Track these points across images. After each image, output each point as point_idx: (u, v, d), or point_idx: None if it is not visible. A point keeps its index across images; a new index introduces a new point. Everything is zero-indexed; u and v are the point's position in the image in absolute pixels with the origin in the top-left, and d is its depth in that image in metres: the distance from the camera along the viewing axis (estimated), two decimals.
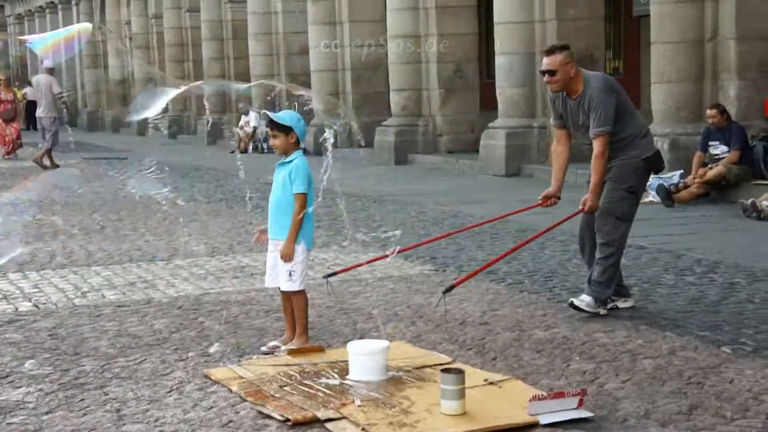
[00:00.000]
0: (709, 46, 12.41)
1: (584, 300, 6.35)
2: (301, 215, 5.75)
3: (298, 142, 5.86)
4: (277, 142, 5.87)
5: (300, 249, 5.81)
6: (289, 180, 5.79)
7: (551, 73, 6.38)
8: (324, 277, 6.95)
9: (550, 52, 6.49)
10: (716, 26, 12.28)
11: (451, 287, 6.36)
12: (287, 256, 5.76)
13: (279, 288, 5.94)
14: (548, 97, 6.85)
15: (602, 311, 6.36)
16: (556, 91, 6.52)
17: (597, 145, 6.30)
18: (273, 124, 5.88)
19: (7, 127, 22.56)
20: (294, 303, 5.89)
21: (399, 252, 7.07)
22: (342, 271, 7.26)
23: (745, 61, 12.15)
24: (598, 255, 6.41)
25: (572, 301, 6.38)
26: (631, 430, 4.38)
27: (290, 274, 5.80)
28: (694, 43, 12.41)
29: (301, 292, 5.88)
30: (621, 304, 6.54)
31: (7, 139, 22.56)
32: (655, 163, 6.57)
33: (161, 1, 31.39)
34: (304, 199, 5.76)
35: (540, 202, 6.77)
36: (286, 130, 5.83)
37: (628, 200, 6.43)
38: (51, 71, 21.35)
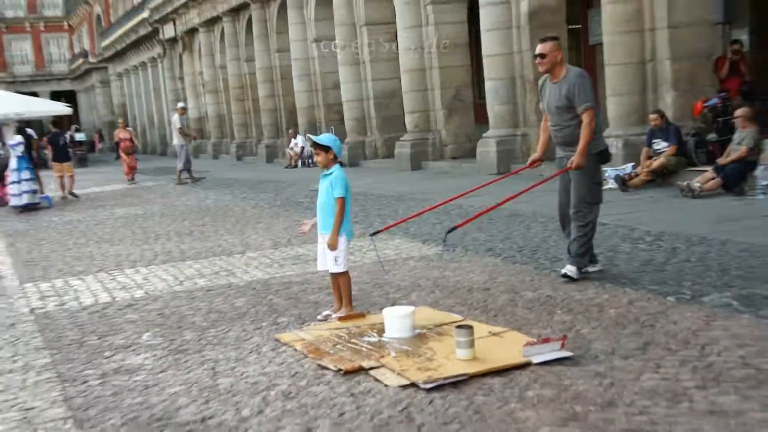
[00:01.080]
0: (649, 66, 12.38)
1: (571, 269, 6.32)
2: (341, 213, 5.79)
3: (335, 157, 5.90)
4: (319, 158, 5.90)
5: (342, 240, 5.84)
6: (331, 187, 5.83)
7: (542, 56, 6.25)
8: (370, 235, 6.79)
9: (543, 40, 6.34)
10: (654, 51, 12.26)
11: (453, 228, 6.39)
12: (332, 246, 5.81)
13: (328, 270, 5.98)
14: (538, 84, 6.64)
15: (592, 268, 6.49)
16: (543, 71, 6.35)
17: (585, 117, 6.13)
18: (316, 145, 5.91)
19: (128, 158, 22.67)
20: (340, 281, 5.93)
21: (382, 230, 6.94)
22: (384, 229, 7.06)
23: (677, 76, 12.13)
24: (576, 233, 6.34)
25: (564, 272, 6.33)
26: (601, 364, 4.42)
27: (336, 259, 5.83)
28: (638, 64, 12.38)
29: (345, 273, 5.90)
30: (590, 269, 6.50)
31: (128, 167, 22.70)
32: (605, 156, 6.45)
33: (224, 54, 31.52)
34: (343, 202, 5.80)
35: (528, 165, 6.78)
36: (326, 149, 5.87)
37: (594, 188, 6.36)
38: (182, 111, 22.03)
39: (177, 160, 21.21)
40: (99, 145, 51.32)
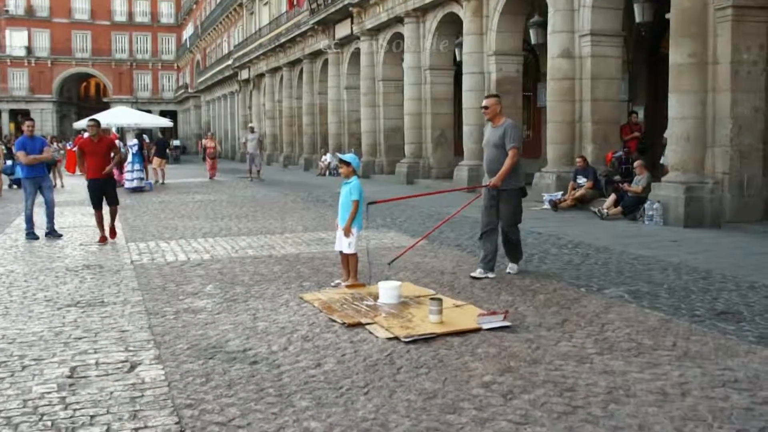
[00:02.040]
0: (577, 125, 12.28)
1: (514, 268, 6.13)
2: (355, 211, 5.75)
3: (354, 171, 5.84)
4: (342, 170, 5.86)
5: (354, 230, 5.79)
6: (349, 193, 5.77)
7: (485, 107, 6.02)
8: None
9: (487, 97, 6.16)
10: (581, 114, 12.15)
11: (393, 260, 6.22)
12: (347, 233, 5.75)
13: (341, 251, 5.88)
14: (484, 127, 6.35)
15: (520, 265, 6.20)
16: (488, 119, 6.09)
17: (511, 152, 5.83)
18: (341, 161, 5.86)
19: (212, 162, 21.89)
20: (350, 260, 5.85)
21: (378, 202, 6.51)
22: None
23: (596, 134, 12.01)
24: (512, 246, 6.11)
25: (509, 272, 6.07)
26: (531, 333, 4.34)
27: (349, 244, 5.77)
28: (570, 123, 12.28)
29: (354, 254, 5.83)
30: (490, 275, 5.97)
31: (212, 167, 21.80)
32: (525, 192, 6.13)
33: (281, 92, 31.42)
34: (357, 204, 5.77)
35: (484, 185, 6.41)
36: (348, 164, 5.82)
37: (518, 212, 6.07)
38: (252, 129, 22.30)
39: (251, 163, 21.08)
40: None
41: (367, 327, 4.50)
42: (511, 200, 6.01)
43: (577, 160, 11.71)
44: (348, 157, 5.89)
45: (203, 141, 23.62)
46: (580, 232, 8.93)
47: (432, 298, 4.70)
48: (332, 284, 5.86)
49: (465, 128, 15.71)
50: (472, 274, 6.03)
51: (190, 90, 56.09)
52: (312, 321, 4.69)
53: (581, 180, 11.60)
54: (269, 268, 6.63)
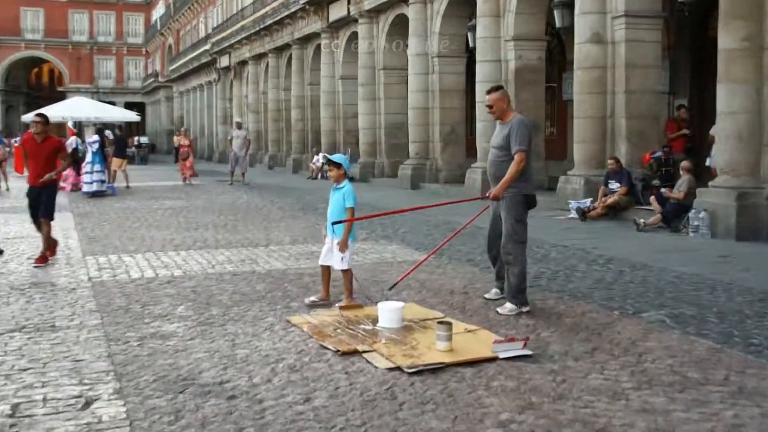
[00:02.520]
0: (609, 120, 12.29)
1: (507, 307, 5.53)
2: (351, 222, 5.75)
3: (345, 173, 5.82)
4: (332, 173, 5.86)
5: (349, 243, 5.78)
6: (342, 199, 5.75)
7: (489, 106, 5.78)
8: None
9: (489, 91, 5.84)
10: (613, 109, 12.17)
11: (393, 285, 6.04)
12: (343, 248, 5.75)
13: (322, 265, 5.84)
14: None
15: (525, 309, 5.53)
16: (495, 118, 5.85)
17: (516, 157, 5.52)
18: (330, 162, 5.85)
19: (185, 163, 21.17)
20: (343, 276, 5.83)
21: (399, 281, 6.16)
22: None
23: (630, 131, 12.03)
24: (509, 272, 5.57)
25: (497, 311, 5.52)
26: (556, 363, 4.32)
27: (342, 259, 5.76)
28: (600, 119, 12.30)
29: (348, 270, 5.82)
30: (494, 295, 5.84)
31: (185, 170, 21.17)
32: (531, 201, 5.68)
33: (267, 83, 31.54)
34: (353, 212, 5.77)
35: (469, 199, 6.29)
36: (338, 165, 5.81)
37: (518, 226, 5.59)
38: (239, 125, 22.29)
39: (235, 164, 21.00)
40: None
41: (365, 355, 4.47)
42: (510, 210, 5.59)
43: (609, 161, 11.72)
44: (338, 157, 5.89)
45: (175, 138, 23.30)
46: (613, 246, 8.91)
47: (440, 322, 4.68)
48: (306, 301, 5.83)
49: (479, 125, 15.71)
50: (487, 296, 5.97)
51: (160, 79, 56.28)
52: (300, 348, 4.66)
53: (614, 185, 11.60)
54: (251, 287, 6.61)
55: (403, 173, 18.72)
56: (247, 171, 21.53)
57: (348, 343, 4.69)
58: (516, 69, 14.72)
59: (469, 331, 4.95)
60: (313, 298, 5.88)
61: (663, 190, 10.83)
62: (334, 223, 5.76)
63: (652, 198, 10.72)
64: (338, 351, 4.53)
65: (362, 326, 5.11)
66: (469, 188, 15.60)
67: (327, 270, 5.88)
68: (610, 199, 11.47)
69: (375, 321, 5.19)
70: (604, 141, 12.39)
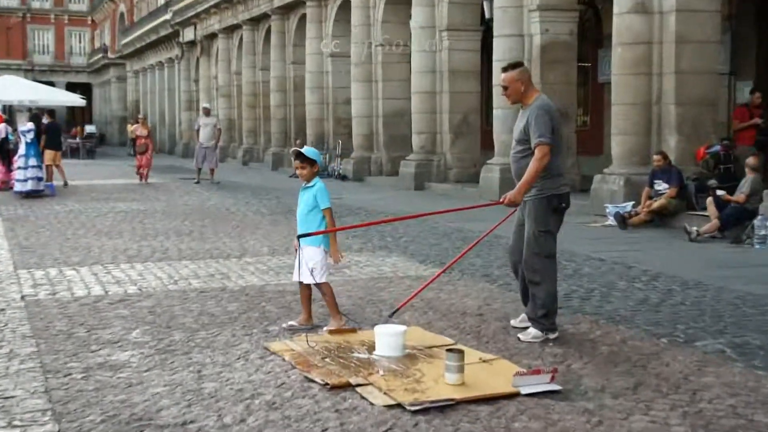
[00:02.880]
0: (655, 108, 12.33)
1: (530, 333, 5.51)
2: (332, 223, 5.82)
3: (317, 171, 5.88)
4: (304, 171, 5.84)
5: (319, 250, 5.81)
6: (314, 200, 5.80)
7: (504, 88, 5.66)
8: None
9: (504, 69, 5.71)
10: (660, 93, 12.22)
11: (395, 311, 6.01)
12: (337, 257, 5.85)
13: (301, 282, 5.87)
14: None
15: (552, 335, 5.50)
16: (512, 103, 5.79)
17: (537, 152, 5.39)
18: (303, 158, 5.83)
19: (142, 157, 20.83)
20: (322, 293, 5.85)
21: (400, 307, 6.08)
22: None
23: (681, 120, 12.08)
24: (531, 292, 5.57)
25: (519, 337, 5.50)
26: (590, 401, 4.31)
27: (312, 270, 5.75)
28: (644, 105, 12.34)
29: (326, 285, 5.84)
30: (520, 322, 5.76)
31: (142, 167, 20.77)
32: (561, 202, 5.57)
33: (240, 61, 31.62)
34: (331, 213, 5.84)
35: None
36: (312, 162, 5.85)
37: (542, 238, 5.52)
38: (208, 111, 21.86)
39: (203, 160, 20.94)
40: None
41: (359, 390, 4.46)
42: (532, 216, 5.53)
43: (655, 157, 11.76)
44: (311, 152, 5.91)
45: (131, 127, 22.75)
46: (660, 259, 8.91)
47: (449, 350, 4.66)
48: (285, 326, 5.85)
49: (496, 112, 15.76)
50: (514, 323, 5.86)
51: (110, 55, 56.39)
52: (281, 381, 4.65)
53: (660, 185, 11.63)
54: (222, 306, 6.60)
55: (405, 171, 18.75)
56: (217, 167, 21.38)
57: (338, 374, 4.67)
58: (542, 45, 14.76)
59: (484, 361, 4.94)
60: (292, 323, 5.89)
61: (721, 192, 10.85)
62: (300, 236, 5.71)
63: (708, 201, 10.72)
64: (326, 384, 4.52)
65: (356, 354, 5.10)
66: (485, 189, 15.61)
67: (306, 287, 5.89)
68: (656, 203, 11.50)
69: (371, 348, 5.18)
70: (649, 132, 12.43)
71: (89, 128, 44.33)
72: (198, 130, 21.22)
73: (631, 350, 5.27)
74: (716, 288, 7.31)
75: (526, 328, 5.64)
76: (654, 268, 8.32)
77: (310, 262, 5.76)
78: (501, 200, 5.66)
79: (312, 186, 5.84)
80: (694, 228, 10.37)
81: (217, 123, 22.02)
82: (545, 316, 5.53)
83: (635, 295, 7.04)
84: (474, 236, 10.52)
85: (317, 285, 5.82)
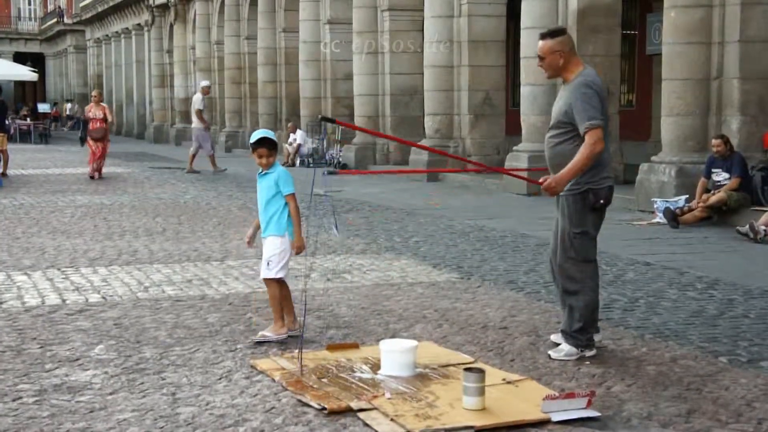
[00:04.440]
0: (714, 83, 12.33)
1: (563, 350, 5.54)
2: (297, 211, 6.03)
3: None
4: (264, 159, 5.96)
5: (283, 240, 6.02)
6: (275, 186, 5.97)
7: (540, 58, 5.62)
8: (327, 173, 6.27)
9: (542, 37, 5.65)
10: (721, 66, 12.20)
11: (335, 172, 6.13)
12: (302, 248, 6.05)
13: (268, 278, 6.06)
14: None
15: (589, 353, 5.53)
16: (549, 77, 5.80)
17: (588, 137, 5.34)
18: (261, 142, 5.94)
19: (97, 146, 19.17)
20: (278, 291, 6.03)
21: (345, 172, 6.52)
22: (344, 171, 6.64)
23: (746, 98, 12.07)
24: (567, 301, 5.61)
25: (550, 355, 5.54)
26: (635, 430, 4.33)
27: (268, 263, 5.98)
28: (701, 81, 12.33)
29: (280, 281, 6.02)
30: (557, 338, 5.75)
31: (94, 157, 19.19)
32: (601, 197, 5.51)
33: (222, 29, 31.63)
34: (295, 199, 6.02)
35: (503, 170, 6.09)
36: (273, 145, 6.02)
37: (578, 240, 5.53)
38: (205, 90, 22.03)
39: (191, 145, 21.55)
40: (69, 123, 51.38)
41: (361, 415, 4.49)
42: (566, 211, 5.54)
43: (714, 142, 11.74)
44: (271, 134, 6.08)
45: (86, 107, 21.93)
46: (718, 263, 8.92)
47: (468, 369, 4.69)
48: (253, 338, 5.93)
49: (524, 90, 15.78)
50: (554, 338, 5.85)
51: (67, 20, 56.37)
52: (270, 405, 4.69)
53: (720, 176, 11.63)
54: (200, 318, 6.64)
55: (417, 159, 18.76)
56: (215, 152, 21.81)
57: (337, 397, 4.70)
58: (579, 10, 14.77)
59: (508, 383, 4.97)
60: (265, 333, 5.97)
61: None
62: (330, 173, 5.93)
63: None
64: (324, 409, 4.55)
65: (358, 374, 5.12)
66: (510, 180, 15.62)
67: (274, 284, 6.02)
68: (715, 197, 11.48)
69: (376, 367, 5.21)
70: (707, 113, 12.43)
71: (43, 107, 44.44)
72: (200, 112, 21.50)
73: (682, 371, 5.28)
74: None
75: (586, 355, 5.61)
76: (711, 273, 8.31)
77: (267, 253, 5.98)
78: (541, 180, 5.58)
79: (272, 172, 6.01)
80: (763, 226, 10.27)
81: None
82: (581, 330, 5.56)
83: (688, 305, 7.04)
84: (495, 235, 10.60)
85: (268, 280, 5.98)
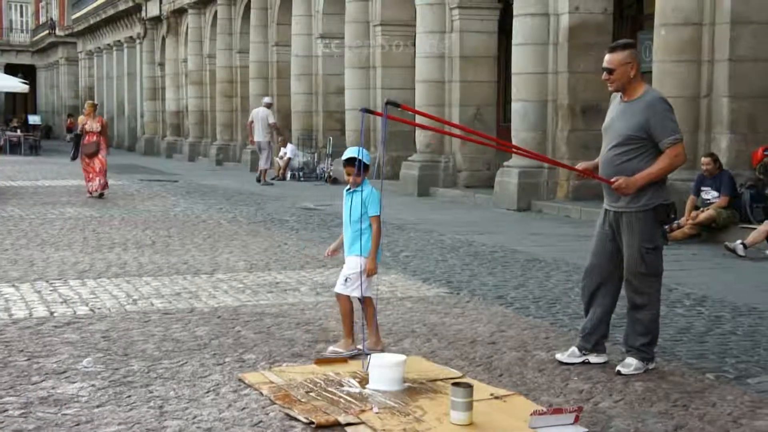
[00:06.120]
0: (704, 101, 12.39)
1: (630, 364, 5.58)
2: (378, 234, 6.13)
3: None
4: (351, 176, 5.99)
5: (362, 260, 6.03)
6: (362, 206, 6.01)
7: (609, 71, 5.64)
8: (386, 104, 6.02)
9: (612, 49, 5.69)
10: (711, 85, 12.27)
11: (397, 105, 5.97)
12: (372, 271, 6.05)
13: (338, 294, 6.12)
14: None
15: (652, 366, 5.64)
16: (613, 90, 5.78)
17: (671, 150, 5.50)
18: (350, 161, 5.98)
19: (92, 162, 17.55)
20: (366, 308, 6.07)
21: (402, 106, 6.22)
22: (403, 107, 6.32)
23: (735, 117, 12.13)
24: (635, 315, 5.68)
25: (619, 370, 5.55)
26: None
27: (346, 280, 6.02)
28: (691, 99, 12.39)
29: (370, 299, 6.04)
30: (593, 359, 5.78)
31: (90, 176, 17.61)
32: (665, 213, 5.71)
33: (215, 42, 31.66)
34: (379, 222, 6.11)
35: (580, 170, 5.99)
36: (366, 167, 6.02)
37: (650, 255, 5.64)
38: (269, 105, 22.96)
39: (260, 158, 22.55)
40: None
41: (349, 430, 4.50)
42: (636, 227, 5.59)
43: (704, 160, 11.80)
44: (363, 154, 5.98)
45: (80, 118, 20.39)
46: (706, 280, 8.95)
47: (456, 384, 4.70)
48: (324, 355, 5.93)
49: (515, 106, 15.85)
50: (559, 357, 5.86)
51: (59, 32, 56.40)
52: (258, 419, 4.68)
53: (709, 193, 11.68)
54: (189, 331, 6.63)
55: (408, 174, 18.80)
56: (269, 166, 22.70)
57: (325, 411, 4.70)
58: (571, 27, 14.87)
59: (496, 398, 4.97)
60: (335, 348, 6.01)
61: None
62: (388, 104, 5.76)
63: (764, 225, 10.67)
64: (311, 423, 4.55)
65: (346, 388, 5.13)
66: (500, 196, 15.69)
67: (348, 302, 6.07)
68: (703, 214, 11.53)
69: (364, 381, 5.21)
70: (696, 131, 12.49)
71: (33, 119, 44.37)
72: (251, 124, 22.66)
73: (670, 387, 5.29)
74: None
75: (575, 363, 5.73)
76: (699, 290, 8.34)
77: (347, 270, 6.00)
78: (612, 180, 5.55)
79: (361, 190, 6.02)
80: (738, 242, 10.34)
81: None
82: (649, 344, 5.66)
83: (676, 322, 7.06)
84: (485, 251, 10.61)
85: (364, 298, 6.00)
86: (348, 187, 6.10)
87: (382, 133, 6.80)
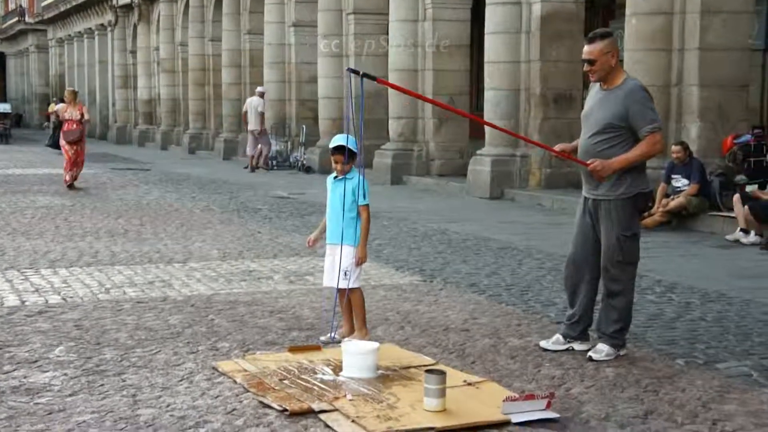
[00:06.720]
0: (674, 90, 12.46)
1: (601, 350, 5.62)
2: (368, 223, 6.01)
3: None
4: (339, 165, 5.94)
5: (355, 251, 5.96)
6: (351, 194, 5.93)
7: (590, 62, 5.58)
8: (360, 75, 5.92)
9: (591, 40, 5.62)
10: (681, 73, 12.34)
11: (371, 76, 5.96)
12: (363, 259, 6.00)
13: (334, 287, 6.05)
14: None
15: (623, 352, 5.68)
16: (595, 81, 5.73)
17: (650, 138, 5.48)
18: (338, 149, 5.94)
19: (73, 150, 17.02)
20: (352, 300, 6.00)
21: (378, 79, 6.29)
22: (379, 80, 6.32)
23: (705, 105, 12.21)
24: (609, 302, 5.73)
25: (590, 356, 5.60)
26: (594, 429, 4.38)
27: (345, 273, 5.90)
28: (662, 87, 12.43)
29: (358, 290, 6.01)
30: (578, 347, 5.80)
31: (73, 164, 17.10)
32: (643, 202, 5.79)
33: (187, 30, 31.47)
34: (368, 211, 6.01)
35: (558, 152, 6.00)
36: (353, 154, 5.94)
37: (627, 243, 5.62)
38: (262, 95, 23.33)
39: (248, 146, 23.24)
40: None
41: (322, 417, 4.50)
42: (614, 215, 5.60)
43: (674, 148, 11.87)
44: (351, 141, 5.94)
45: (53, 107, 19.76)
46: (676, 267, 9.01)
47: (429, 371, 4.71)
48: (322, 338, 5.95)
49: (488, 95, 15.88)
50: (543, 344, 5.89)
51: (28, 19, 55.83)
52: (232, 407, 4.68)
53: (679, 181, 11.76)
54: (162, 319, 6.61)
55: (381, 162, 18.80)
56: (268, 152, 23.17)
57: (299, 399, 4.71)
58: (543, 16, 14.91)
59: (469, 384, 4.99)
60: (333, 335, 6.01)
61: (750, 188, 10.95)
62: (363, 76, 5.66)
63: (736, 199, 10.80)
64: (285, 410, 4.56)
65: (320, 376, 5.13)
66: (473, 185, 15.72)
67: (344, 293, 6.01)
68: (674, 202, 11.61)
69: (338, 369, 5.22)
70: (667, 119, 12.53)
71: (3, 107, 43.90)
72: (245, 114, 23.38)
73: (640, 372, 5.34)
74: (742, 301, 7.39)
75: (560, 350, 5.77)
76: (669, 277, 8.39)
77: (345, 264, 5.89)
78: (589, 162, 5.59)
79: (350, 178, 5.95)
80: (738, 230, 10.37)
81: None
82: (621, 330, 5.72)
83: (646, 309, 7.10)
84: (458, 239, 10.65)
85: (351, 290, 5.96)
86: (335, 175, 6.03)
87: (360, 103, 6.64)
